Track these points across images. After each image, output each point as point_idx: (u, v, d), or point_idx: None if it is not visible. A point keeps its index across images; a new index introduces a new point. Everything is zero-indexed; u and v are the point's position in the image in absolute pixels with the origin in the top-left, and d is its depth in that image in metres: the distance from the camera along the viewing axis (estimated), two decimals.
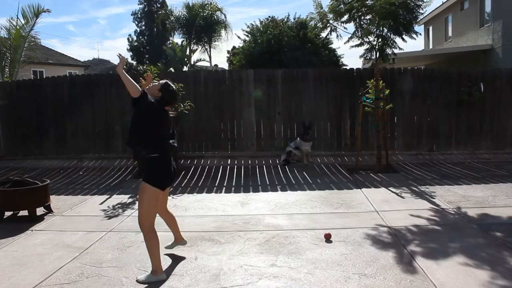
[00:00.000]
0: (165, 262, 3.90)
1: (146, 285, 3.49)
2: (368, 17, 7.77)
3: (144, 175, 3.59)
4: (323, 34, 8.33)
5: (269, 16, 26.13)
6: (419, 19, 7.97)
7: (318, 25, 8.11)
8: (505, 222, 4.88)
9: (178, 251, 4.20)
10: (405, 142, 9.75)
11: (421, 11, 7.78)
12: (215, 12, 25.07)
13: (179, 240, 4.23)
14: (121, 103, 9.80)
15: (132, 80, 3.45)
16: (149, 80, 3.96)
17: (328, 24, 8.05)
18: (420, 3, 7.59)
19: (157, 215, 3.77)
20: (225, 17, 25.90)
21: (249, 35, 23.42)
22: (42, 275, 3.69)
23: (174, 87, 3.82)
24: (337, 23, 7.99)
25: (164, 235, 4.55)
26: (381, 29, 7.76)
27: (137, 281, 3.57)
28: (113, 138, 9.97)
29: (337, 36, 8.32)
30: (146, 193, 3.55)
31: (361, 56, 8.40)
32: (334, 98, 9.74)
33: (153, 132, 3.57)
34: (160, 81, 3.83)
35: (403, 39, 7.81)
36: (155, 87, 3.71)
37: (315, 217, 5.24)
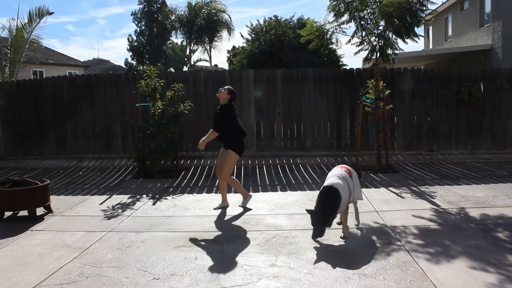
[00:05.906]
0: (165, 263, 3.90)
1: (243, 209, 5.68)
2: (365, 14, 7.75)
3: (230, 147, 5.52)
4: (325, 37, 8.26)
5: (273, 16, 26.12)
6: (421, 23, 7.95)
7: (316, 35, 8.10)
8: (505, 222, 4.88)
9: (179, 251, 4.20)
10: (405, 142, 9.75)
11: (423, 16, 7.77)
12: (217, 12, 25.06)
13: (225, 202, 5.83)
14: (121, 103, 9.81)
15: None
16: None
17: (327, 27, 8.03)
18: (424, 8, 7.60)
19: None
20: (230, 18, 25.85)
21: (253, 34, 23.46)
22: (42, 275, 3.69)
23: (233, 89, 5.71)
24: (337, 26, 7.97)
25: (164, 235, 4.61)
26: (384, 30, 7.75)
27: (240, 206, 5.72)
28: (113, 138, 9.96)
29: (337, 41, 8.31)
30: (231, 156, 5.51)
31: (364, 59, 8.41)
32: (334, 98, 9.74)
33: (234, 123, 5.50)
34: (225, 87, 5.64)
35: (404, 41, 7.80)
36: (224, 93, 5.55)
37: None
